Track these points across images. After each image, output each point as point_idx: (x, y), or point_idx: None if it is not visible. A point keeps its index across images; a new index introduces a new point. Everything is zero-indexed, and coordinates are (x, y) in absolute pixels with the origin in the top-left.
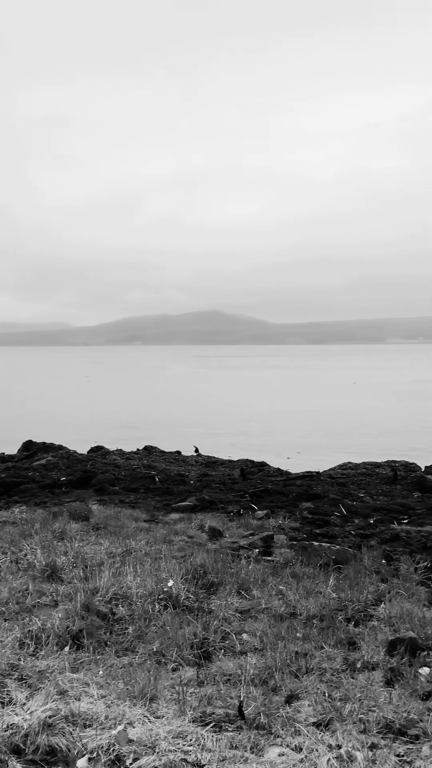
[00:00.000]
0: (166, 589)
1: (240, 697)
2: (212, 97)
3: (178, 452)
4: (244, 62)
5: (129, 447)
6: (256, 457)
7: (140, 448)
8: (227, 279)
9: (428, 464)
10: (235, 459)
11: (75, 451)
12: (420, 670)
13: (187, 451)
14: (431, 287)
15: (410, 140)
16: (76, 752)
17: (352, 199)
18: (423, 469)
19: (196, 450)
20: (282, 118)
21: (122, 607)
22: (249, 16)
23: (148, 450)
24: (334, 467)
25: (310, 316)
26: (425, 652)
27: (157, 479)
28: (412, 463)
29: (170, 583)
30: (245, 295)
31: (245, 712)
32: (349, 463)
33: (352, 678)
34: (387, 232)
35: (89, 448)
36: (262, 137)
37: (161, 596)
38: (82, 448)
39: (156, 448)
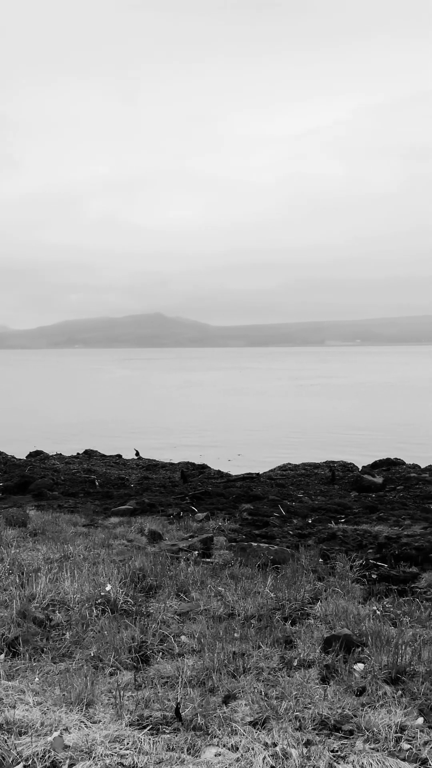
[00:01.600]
0: (103, 594)
1: (177, 699)
2: (154, 102)
3: (119, 456)
4: (187, 69)
5: (69, 451)
6: (197, 460)
7: (80, 452)
8: (169, 282)
9: (365, 464)
10: (176, 462)
11: (13, 456)
12: (354, 666)
13: (128, 455)
14: (368, 291)
15: (344, 146)
16: (11, 760)
17: (290, 203)
18: (360, 469)
19: (137, 453)
20: (223, 124)
21: (59, 613)
22: (193, 24)
23: (89, 454)
24: (274, 469)
25: (251, 318)
26: (359, 648)
27: (97, 483)
28: (350, 463)
29: (108, 588)
30: (186, 298)
31: (182, 713)
32: (289, 464)
33: (289, 676)
34: (324, 237)
35: (28, 452)
36: (203, 142)
37: (99, 601)
38: (21, 453)
39: (96, 452)
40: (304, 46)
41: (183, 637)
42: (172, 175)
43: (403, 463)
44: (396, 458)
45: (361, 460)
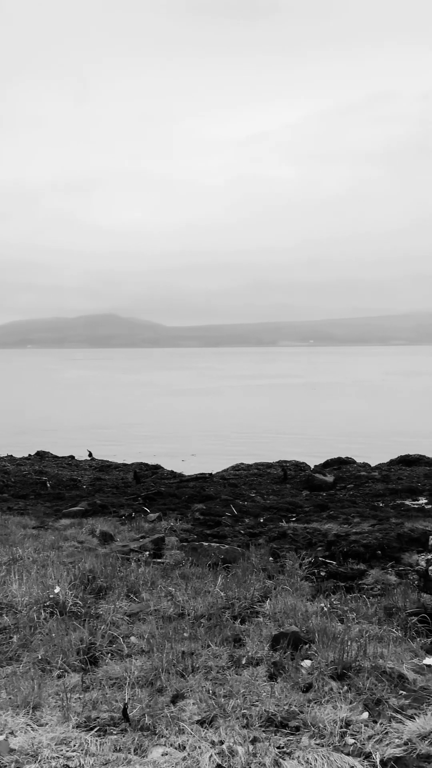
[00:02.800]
0: (52, 596)
1: (125, 699)
2: (108, 101)
3: (72, 457)
4: (141, 69)
5: (20, 453)
6: (151, 461)
7: (32, 454)
8: (122, 282)
9: (317, 463)
10: (130, 462)
11: None
12: (302, 663)
13: (82, 456)
14: (319, 292)
15: (294, 150)
16: None
17: (242, 206)
18: (312, 469)
19: (90, 454)
20: (176, 125)
21: (6, 616)
22: (148, 24)
23: (41, 455)
24: (227, 469)
25: (205, 319)
26: (307, 645)
27: (48, 485)
28: (302, 463)
29: (57, 590)
30: (140, 298)
31: (130, 714)
32: (242, 464)
33: (237, 674)
34: (275, 239)
35: None
36: (157, 143)
37: (47, 603)
38: None
39: (48, 453)
40: (257, 51)
41: (132, 638)
42: (125, 176)
43: (354, 462)
44: (347, 457)
45: (313, 459)
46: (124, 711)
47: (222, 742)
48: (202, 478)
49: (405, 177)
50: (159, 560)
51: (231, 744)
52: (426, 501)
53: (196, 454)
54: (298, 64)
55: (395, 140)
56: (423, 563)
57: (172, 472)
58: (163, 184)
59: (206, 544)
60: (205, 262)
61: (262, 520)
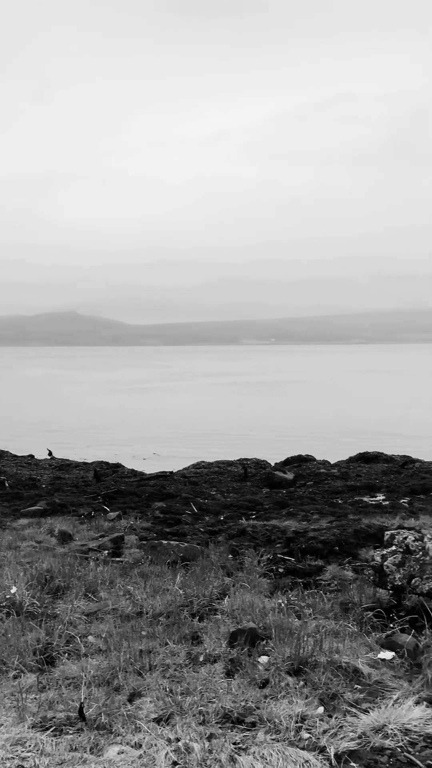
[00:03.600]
0: (8, 597)
1: (81, 699)
2: (70, 100)
3: (31, 456)
4: (102, 67)
5: None
6: (112, 459)
7: None
8: (82, 280)
9: (278, 461)
10: (90, 461)
11: None
12: (259, 659)
13: (41, 455)
14: (280, 291)
15: (255, 149)
16: None
17: (204, 204)
18: (272, 466)
19: (50, 453)
20: (137, 124)
21: None
22: (110, 20)
23: None
24: (188, 467)
25: (167, 317)
26: (264, 641)
27: (6, 484)
28: (263, 461)
29: (13, 590)
30: (101, 296)
31: (86, 713)
32: (203, 462)
33: (195, 672)
34: (237, 237)
35: None
36: (117, 141)
37: (3, 604)
38: None
39: (7, 452)
40: (217, 50)
41: (90, 638)
42: (87, 173)
43: (314, 459)
44: (307, 455)
45: (274, 457)
46: (81, 710)
47: (178, 740)
48: (163, 477)
49: (365, 179)
50: (118, 559)
51: (187, 741)
52: (383, 497)
53: (157, 452)
54: (260, 63)
55: (355, 142)
56: (378, 558)
57: (132, 470)
58: (125, 182)
59: (166, 542)
60: (167, 260)
61: (222, 518)
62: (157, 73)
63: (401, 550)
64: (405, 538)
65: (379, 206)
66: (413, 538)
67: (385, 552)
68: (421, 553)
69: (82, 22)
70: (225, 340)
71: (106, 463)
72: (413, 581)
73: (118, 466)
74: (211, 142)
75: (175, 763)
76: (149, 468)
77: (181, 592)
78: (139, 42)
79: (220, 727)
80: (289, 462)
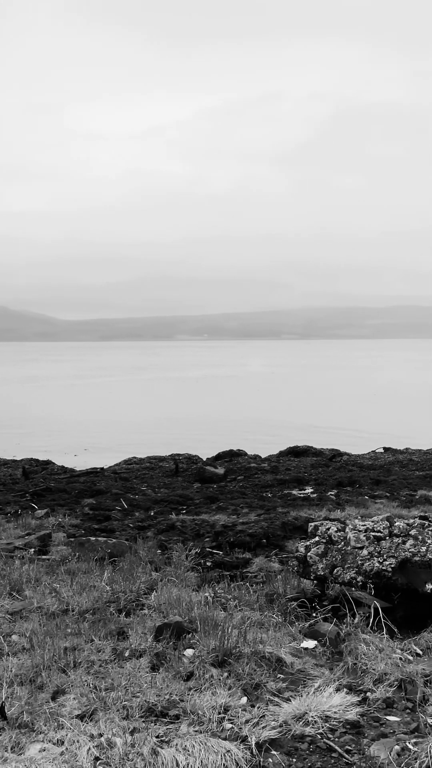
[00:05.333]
0: None
1: (2, 698)
2: None
3: None
4: (31, 60)
5: None
6: (43, 456)
7: None
8: (11, 274)
9: (210, 456)
10: (19, 459)
11: None
12: (184, 652)
13: None
14: (213, 287)
15: (186, 145)
16: None
17: (134, 199)
18: (203, 461)
19: None
20: (67, 116)
21: None
22: (36, 14)
23: None
24: (119, 463)
25: (100, 312)
26: (190, 635)
27: None
28: (195, 456)
29: None
30: (31, 291)
31: (8, 712)
32: (134, 458)
33: (120, 667)
34: (167, 233)
35: None
36: (47, 133)
37: None
38: None
39: None
40: (153, 43)
41: (14, 637)
42: (16, 166)
43: (245, 454)
44: (239, 449)
45: (206, 452)
46: (1, 709)
47: (101, 735)
48: (94, 473)
49: (291, 178)
50: (45, 557)
51: (110, 736)
52: (312, 490)
53: (88, 448)
54: (193, 57)
55: (282, 142)
56: (302, 549)
57: (63, 467)
58: (55, 176)
59: (94, 538)
60: (98, 254)
61: (152, 513)
62: (90, 63)
63: (324, 540)
64: (328, 529)
65: (303, 206)
66: (336, 529)
67: (309, 543)
68: (343, 543)
69: (10, 12)
70: (159, 335)
71: (36, 461)
72: (335, 571)
73: (48, 463)
74: (144, 136)
75: (97, 759)
76: (80, 464)
77: (108, 588)
78: (70, 34)
79: (143, 721)
80: (220, 457)
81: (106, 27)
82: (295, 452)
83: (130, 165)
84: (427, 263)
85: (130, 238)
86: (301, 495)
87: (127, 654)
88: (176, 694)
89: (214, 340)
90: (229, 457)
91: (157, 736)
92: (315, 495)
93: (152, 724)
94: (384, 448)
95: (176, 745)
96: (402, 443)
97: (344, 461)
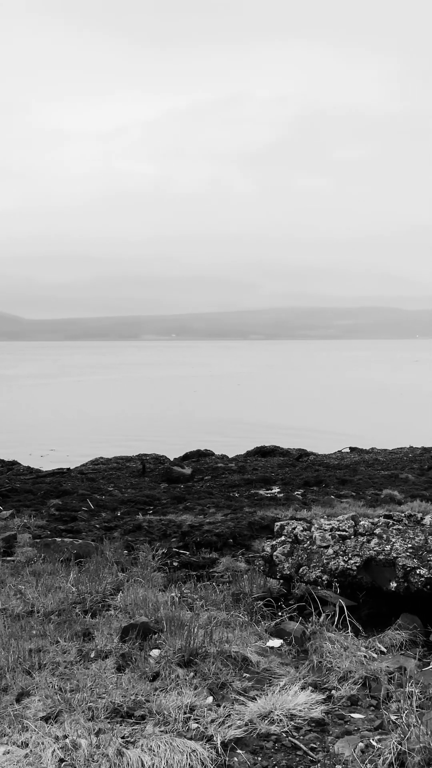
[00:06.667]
0: None
1: None
2: None
3: None
4: None
5: None
6: (8, 457)
7: None
8: None
9: (177, 456)
10: None
11: None
12: (150, 653)
13: None
14: (179, 287)
15: (152, 145)
16: None
17: (102, 198)
18: (171, 461)
19: None
20: (34, 115)
21: None
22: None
23: None
24: (86, 463)
25: (67, 312)
26: (156, 635)
27: None
28: (162, 456)
29: None
30: None
31: None
32: (101, 458)
33: (86, 668)
34: (134, 233)
35: None
36: (12, 132)
37: None
38: None
39: None
40: (119, 43)
41: None
42: None
43: (212, 454)
44: (206, 450)
45: (174, 452)
46: None
47: (66, 737)
48: (60, 474)
49: (257, 180)
50: (10, 558)
51: (75, 738)
52: (279, 490)
53: (55, 449)
54: (160, 57)
55: (249, 142)
56: (268, 549)
57: (29, 467)
58: (21, 175)
59: (60, 539)
60: (64, 253)
61: (119, 514)
62: (57, 63)
63: (290, 540)
64: (294, 528)
65: (270, 207)
66: (301, 528)
67: (275, 542)
68: (308, 542)
69: None
70: (126, 335)
71: (1, 461)
72: (301, 570)
73: (13, 463)
74: (111, 135)
75: (62, 761)
76: (47, 465)
77: (74, 589)
78: (38, 32)
79: (109, 722)
80: (187, 457)
81: (75, 27)
82: (263, 452)
83: (96, 164)
84: (395, 265)
85: (97, 237)
86: (268, 495)
87: (92, 655)
88: (142, 695)
89: (181, 340)
90: (197, 457)
91: (122, 737)
92: (282, 495)
93: (118, 725)
94: (350, 448)
95: (142, 745)
96: (368, 443)
97: (311, 461)
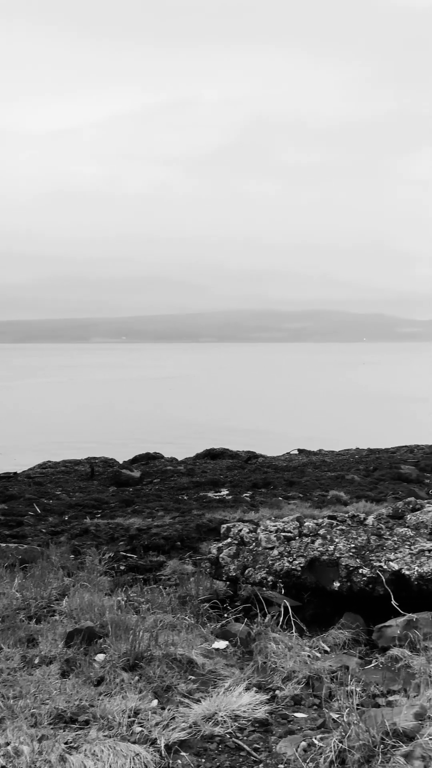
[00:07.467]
0: None
1: None
2: None
3: None
4: None
5: None
6: None
7: None
8: None
9: (126, 459)
10: None
11: None
12: (95, 657)
13: None
14: (129, 289)
15: (101, 147)
16: None
17: (49, 198)
18: (120, 464)
19: None
20: None
21: None
22: None
23: None
24: (34, 467)
25: (13, 313)
26: (102, 639)
27: None
28: (111, 459)
29: None
30: None
31: None
32: (49, 462)
33: (29, 674)
34: (85, 233)
35: None
36: None
37: None
38: None
39: None
40: (68, 44)
41: None
42: None
43: (162, 457)
44: (155, 452)
45: (123, 455)
46: None
47: (8, 744)
48: (6, 478)
49: (206, 183)
50: None
51: (17, 744)
52: (227, 492)
53: (1, 453)
54: (109, 61)
55: (196, 146)
56: (215, 551)
57: None
58: None
59: (5, 545)
60: (11, 253)
61: (66, 518)
62: (5, 61)
63: (236, 542)
64: (240, 530)
65: (217, 210)
66: (248, 530)
67: (221, 544)
68: (254, 544)
69: None
70: (75, 338)
71: None
72: (247, 571)
73: None
74: (59, 135)
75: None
76: None
77: (18, 595)
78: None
79: (52, 728)
80: (137, 460)
81: (22, 26)
82: (212, 455)
83: (44, 164)
84: (343, 270)
85: (45, 237)
86: (217, 497)
87: (36, 661)
88: (86, 700)
89: (132, 343)
90: (146, 460)
91: (65, 743)
92: (230, 497)
93: (61, 731)
94: (299, 450)
95: (85, 750)
96: (316, 445)
97: (260, 463)
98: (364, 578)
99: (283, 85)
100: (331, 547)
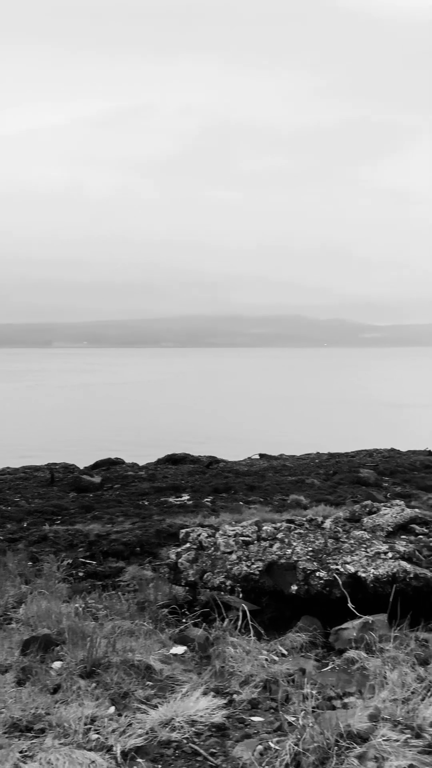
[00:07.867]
0: None
1: None
2: None
3: None
4: None
5: None
6: None
7: None
8: None
9: (87, 465)
10: None
11: None
12: (52, 665)
13: None
14: (89, 293)
15: (61, 151)
16: None
17: (8, 201)
18: (80, 470)
19: None
20: None
21: None
22: None
23: None
24: None
25: None
26: (59, 647)
27: None
28: (72, 465)
29: None
30: None
31: None
32: (8, 468)
33: None
34: (44, 236)
35: None
36: None
37: None
38: None
39: None
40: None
41: None
42: None
43: (123, 462)
44: (116, 458)
45: (84, 461)
46: None
47: None
48: None
49: (163, 189)
50: None
51: None
52: (188, 497)
53: None
54: (69, 66)
55: (157, 152)
56: (173, 556)
57: None
58: None
59: None
60: None
61: (25, 525)
62: None
63: (195, 546)
64: (199, 535)
65: (177, 216)
66: (206, 535)
67: (180, 549)
68: (213, 548)
69: None
70: (37, 342)
71: None
72: (205, 576)
73: None
74: (17, 138)
75: None
76: None
77: None
78: None
79: (7, 737)
80: (98, 465)
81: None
82: (173, 460)
83: (3, 167)
84: (304, 276)
85: (4, 240)
86: (178, 502)
87: None
88: (42, 708)
89: (93, 347)
90: (107, 465)
91: (20, 752)
92: (191, 502)
93: (16, 740)
94: (259, 455)
95: (40, 759)
96: (277, 449)
97: (221, 468)
98: (321, 581)
99: (242, 94)
100: (289, 551)
